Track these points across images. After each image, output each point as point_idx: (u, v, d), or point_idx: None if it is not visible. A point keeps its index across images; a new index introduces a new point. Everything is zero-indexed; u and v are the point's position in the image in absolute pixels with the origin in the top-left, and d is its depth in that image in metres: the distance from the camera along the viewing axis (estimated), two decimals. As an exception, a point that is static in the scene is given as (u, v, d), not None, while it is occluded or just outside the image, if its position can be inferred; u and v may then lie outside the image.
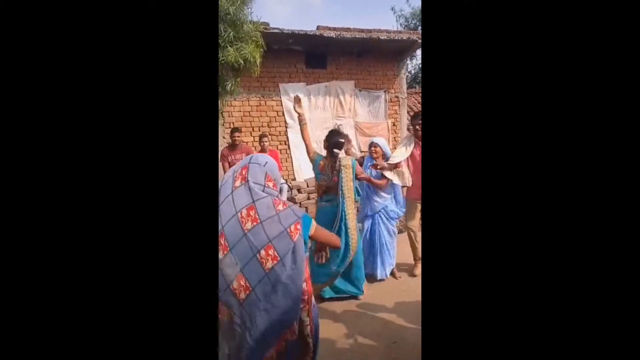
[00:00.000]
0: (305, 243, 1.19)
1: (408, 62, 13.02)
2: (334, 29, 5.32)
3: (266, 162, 1.24)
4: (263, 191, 1.18)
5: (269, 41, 4.80)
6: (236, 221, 1.13)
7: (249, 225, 1.13)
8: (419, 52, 12.61)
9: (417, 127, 2.91)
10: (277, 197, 1.22)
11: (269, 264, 1.12)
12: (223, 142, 4.90)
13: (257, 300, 1.13)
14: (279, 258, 1.13)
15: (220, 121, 4.13)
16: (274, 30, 4.76)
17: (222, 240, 1.13)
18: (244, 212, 1.14)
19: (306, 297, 1.21)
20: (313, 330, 1.28)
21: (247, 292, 1.13)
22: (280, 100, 5.38)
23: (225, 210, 1.15)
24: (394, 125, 6.35)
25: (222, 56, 3.35)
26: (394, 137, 6.32)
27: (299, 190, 5.10)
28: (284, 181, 4.52)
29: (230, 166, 4.15)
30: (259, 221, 1.13)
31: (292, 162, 5.47)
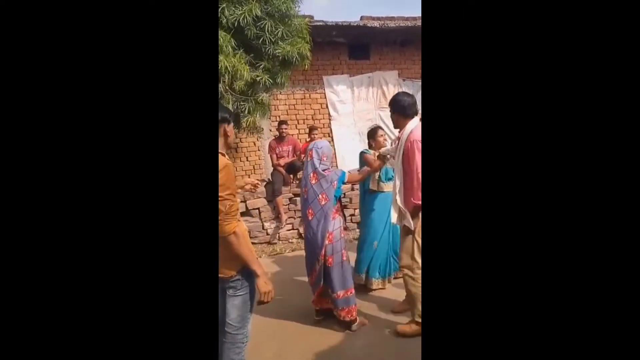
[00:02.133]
0: (338, 190, 2.32)
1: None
2: (378, 18, 5.26)
3: (321, 147, 2.31)
4: (320, 164, 2.26)
5: (313, 34, 4.85)
6: (309, 180, 2.27)
7: (314, 181, 2.26)
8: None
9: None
10: (328, 167, 2.28)
11: (323, 202, 2.24)
12: (270, 135, 5.07)
13: (317, 221, 2.25)
14: (329, 199, 2.23)
15: (267, 114, 4.28)
16: (318, 23, 4.81)
17: (305, 189, 2.30)
18: (311, 175, 2.27)
19: (330, 222, 2.27)
20: (333, 238, 2.25)
21: (312, 217, 2.26)
22: (324, 93, 5.43)
23: (305, 174, 2.31)
24: (439, 115, 6.18)
25: (274, 50, 3.45)
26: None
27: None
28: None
29: (277, 157, 4.29)
30: (318, 179, 2.25)
31: (335, 154, 5.53)
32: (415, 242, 2.06)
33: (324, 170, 2.25)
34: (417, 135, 2.00)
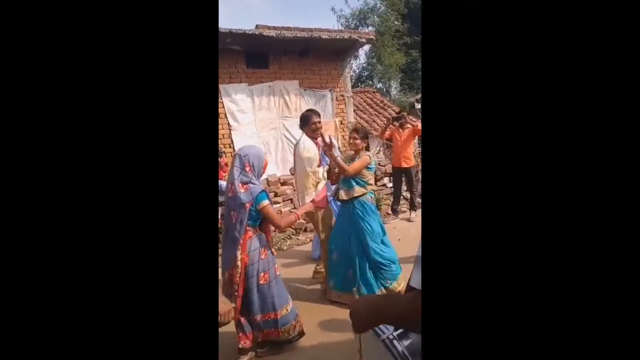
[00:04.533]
0: (255, 213, 2.01)
1: (352, 61, 13.27)
2: (274, 28, 5.22)
3: (247, 154, 2.01)
4: (239, 175, 1.97)
5: (205, 40, 4.59)
6: (227, 191, 1.99)
7: (230, 194, 1.98)
8: (361, 51, 12.93)
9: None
10: (250, 180, 1.97)
11: (233, 220, 1.97)
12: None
13: (226, 238, 2.00)
14: (237, 218, 1.96)
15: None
16: (210, 29, 4.56)
17: (221, 198, 2.40)
18: (229, 185, 1.99)
19: (241, 243, 2.00)
20: (248, 261, 2.00)
21: (225, 232, 2.02)
22: (222, 102, 5.16)
23: (226, 184, 2.06)
24: (341, 123, 6.38)
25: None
26: (342, 135, 6.35)
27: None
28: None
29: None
30: (235, 193, 1.96)
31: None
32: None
33: (244, 184, 1.94)
34: (301, 142, 2.78)
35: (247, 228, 1.97)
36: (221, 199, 4.41)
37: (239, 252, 1.96)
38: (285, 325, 2.06)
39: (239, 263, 1.96)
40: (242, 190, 1.94)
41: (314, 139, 2.78)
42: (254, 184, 1.98)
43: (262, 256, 2.02)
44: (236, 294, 1.98)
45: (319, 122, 2.79)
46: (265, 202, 1.99)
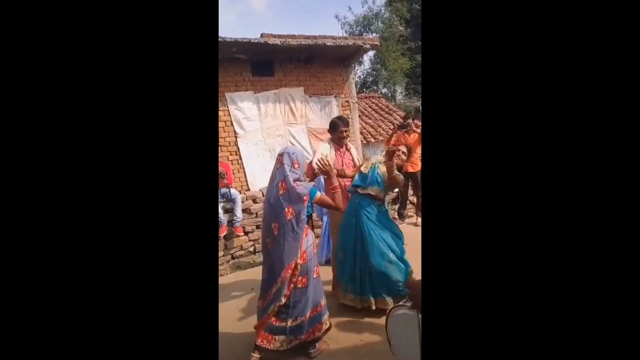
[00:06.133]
0: (309, 207, 2.11)
1: (356, 67, 13.31)
2: (279, 36, 5.28)
3: (294, 152, 2.10)
4: (290, 171, 2.03)
5: (211, 50, 4.66)
6: (276, 188, 2.04)
7: (281, 191, 2.02)
8: (365, 57, 12.98)
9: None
10: (299, 176, 2.06)
11: (289, 217, 2.00)
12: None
13: (281, 236, 1.99)
14: (294, 214, 2.00)
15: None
16: (216, 39, 4.63)
17: (271, 200, 2.05)
18: (280, 183, 2.03)
19: (302, 239, 2.06)
20: (306, 257, 2.06)
21: (277, 231, 2.02)
22: (228, 110, 5.22)
23: (272, 182, 2.08)
24: (346, 129, 6.40)
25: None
26: (348, 141, 6.37)
27: (254, 201, 4.95)
28: (237, 192, 4.36)
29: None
30: (286, 190, 2.01)
31: (244, 173, 5.31)
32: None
33: (294, 180, 2.03)
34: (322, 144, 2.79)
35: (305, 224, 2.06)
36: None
37: (300, 250, 2.02)
38: (324, 317, 2.13)
39: (299, 260, 2.01)
40: (296, 186, 2.02)
41: (339, 145, 2.86)
42: (302, 180, 2.09)
43: (315, 251, 2.13)
44: (288, 293, 1.99)
45: (346, 131, 2.88)
46: (319, 193, 2.11)
